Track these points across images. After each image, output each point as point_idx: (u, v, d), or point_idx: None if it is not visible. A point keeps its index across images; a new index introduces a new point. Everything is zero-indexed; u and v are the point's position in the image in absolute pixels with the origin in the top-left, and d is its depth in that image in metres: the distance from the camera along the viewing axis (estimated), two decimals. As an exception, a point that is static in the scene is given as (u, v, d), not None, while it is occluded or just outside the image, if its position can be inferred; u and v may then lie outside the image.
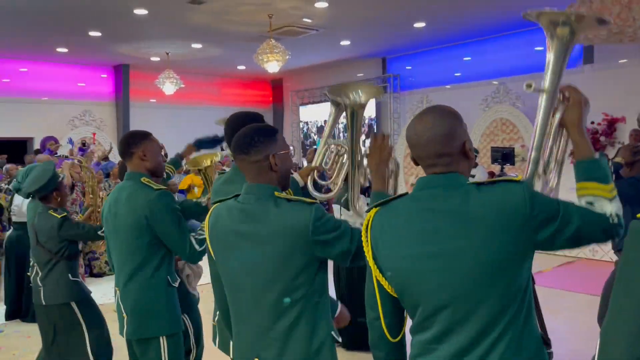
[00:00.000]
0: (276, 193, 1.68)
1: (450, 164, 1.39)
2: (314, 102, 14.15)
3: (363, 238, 1.46)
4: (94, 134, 11.79)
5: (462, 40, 10.70)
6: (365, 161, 2.09)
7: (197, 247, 2.43)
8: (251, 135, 1.71)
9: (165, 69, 11.07)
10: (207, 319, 2.56)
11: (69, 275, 3.20)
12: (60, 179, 3.32)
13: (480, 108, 10.48)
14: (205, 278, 2.62)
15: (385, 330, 1.46)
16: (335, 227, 1.63)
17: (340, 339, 1.73)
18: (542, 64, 1.58)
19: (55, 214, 3.22)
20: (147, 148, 2.51)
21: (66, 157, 8.85)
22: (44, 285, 3.21)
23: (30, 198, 3.91)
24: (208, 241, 1.78)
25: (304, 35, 9.75)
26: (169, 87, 11.04)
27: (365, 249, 1.45)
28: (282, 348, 1.61)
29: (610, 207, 1.36)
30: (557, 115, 1.52)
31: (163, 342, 2.44)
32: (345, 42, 10.71)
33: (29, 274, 3.92)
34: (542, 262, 7.24)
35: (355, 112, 2.04)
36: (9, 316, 5.29)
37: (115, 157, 10.30)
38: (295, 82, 14.67)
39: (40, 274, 3.24)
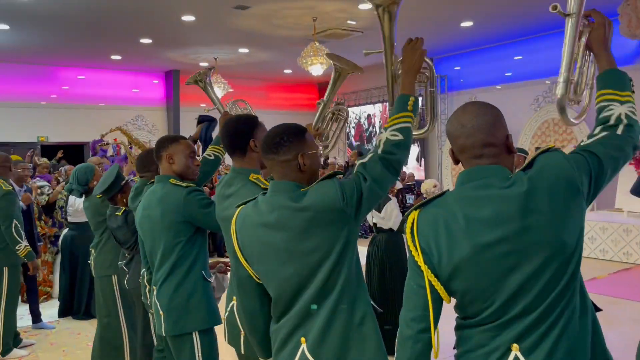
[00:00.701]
0: (302, 190, 1.67)
1: (496, 156, 1.39)
2: (359, 104, 14.11)
3: (409, 243, 1.42)
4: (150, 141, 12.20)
5: (513, 39, 10.39)
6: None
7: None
8: (280, 134, 1.70)
9: (213, 74, 11.31)
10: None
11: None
12: (124, 181, 3.43)
13: (532, 108, 10.14)
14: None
15: (435, 343, 1.39)
16: (356, 182, 1.65)
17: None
18: (595, 60, 1.64)
19: (117, 214, 3.34)
20: (175, 151, 2.56)
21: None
22: (128, 270, 3.37)
23: (83, 197, 4.08)
24: (236, 244, 1.77)
25: (349, 38, 9.73)
26: (217, 91, 11.26)
27: (414, 253, 1.40)
28: (327, 325, 1.61)
29: (620, 109, 1.46)
30: (583, 39, 1.60)
31: (196, 338, 2.47)
32: (391, 44, 10.61)
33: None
34: (597, 268, 6.91)
35: (386, 8, 2.06)
36: (62, 313, 5.51)
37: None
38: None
39: (123, 261, 3.42)
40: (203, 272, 2.53)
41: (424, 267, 1.38)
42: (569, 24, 1.58)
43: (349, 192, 1.63)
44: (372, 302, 1.73)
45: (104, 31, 8.83)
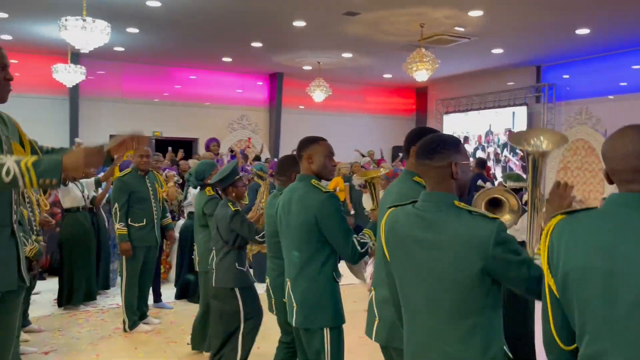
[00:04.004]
0: (456, 202, 1.75)
1: None
2: (459, 111, 13.88)
3: (542, 244, 1.47)
4: (250, 138, 12.78)
5: (631, 47, 9.80)
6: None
7: (359, 248, 2.60)
8: (437, 142, 1.81)
9: (316, 77, 11.64)
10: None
11: (236, 264, 3.56)
12: (238, 176, 3.69)
13: (650, 121, 9.50)
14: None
15: (555, 336, 1.46)
16: (518, 251, 1.66)
17: (512, 357, 1.75)
18: None
19: (230, 206, 3.59)
20: (314, 152, 2.72)
21: (231, 151, 9.77)
22: (216, 269, 3.60)
23: (198, 189, 4.41)
24: (384, 243, 1.89)
25: (454, 44, 9.65)
26: (318, 94, 11.60)
27: (542, 254, 1.46)
28: (455, 355, 1.68)
29: None
30: None
31: (327, 333, 2.62)
32: (497, 50, 10.38)
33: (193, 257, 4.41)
34: None
35: (536, 159, 2.04)
36: (178, 296, 5.97)
37: (263, 157, 11.09)
38: (441, 90, 14.51)
39: (215, 258, 3.64)
40: (334, 273, 2.67)
41: (544, 267, 1.45)
42: None
43: (509, 254, 1.65)
44: (505, 347, 1.75)
45: (219, 34, 9.39)
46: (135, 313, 4.92)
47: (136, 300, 4.94)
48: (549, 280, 1.45)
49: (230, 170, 3.64)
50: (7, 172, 1.91)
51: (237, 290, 3.53)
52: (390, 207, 1.93)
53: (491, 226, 1.66)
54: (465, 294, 1.67)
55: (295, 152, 2.88)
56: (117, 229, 4.82)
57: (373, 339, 2.33)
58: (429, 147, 1.81)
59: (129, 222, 4.84)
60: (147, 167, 4.96)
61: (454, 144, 1.81)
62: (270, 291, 3.27)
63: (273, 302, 3.27)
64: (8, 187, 1.97)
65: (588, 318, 1.35)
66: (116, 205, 4.82)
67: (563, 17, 8.10)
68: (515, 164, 12.45)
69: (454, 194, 1.78)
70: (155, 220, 4.99)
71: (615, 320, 1.30)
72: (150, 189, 4.98)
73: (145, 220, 4.89)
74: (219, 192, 3.85)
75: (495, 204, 2.48)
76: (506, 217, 2.41)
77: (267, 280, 3.30)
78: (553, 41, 9.62)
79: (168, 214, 5.44)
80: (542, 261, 1.47)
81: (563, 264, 1.39)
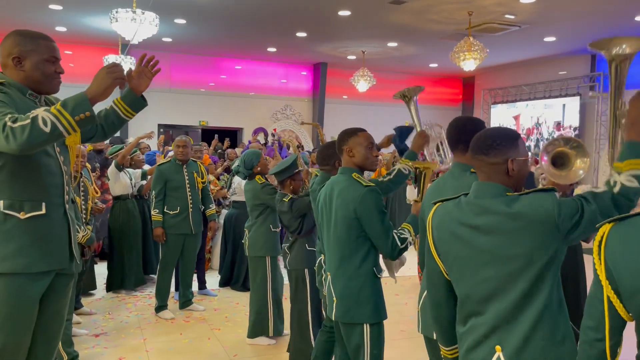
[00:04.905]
0: (508, 194, 1.69)
1: None
2: (506, 101, 13.50)
3: (595, 255, 1.40)
4: (273, 130, 12.82)
5: (696, 34, 9.25)
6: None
7: (399, 244, 2.56)
8: (493, 137, 1.73)
9: (360, 67, 11.54)
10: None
11: (306, 245, 3.64)
12: (297, 170, 3.72)
13: None
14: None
15: (608, 353, 1.41)
16: (580, 204, 1.64)
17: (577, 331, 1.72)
18: None
19: (284, 200, 3.64)
20: (354, 144, 2.67)
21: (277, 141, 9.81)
22: (290, 252, 3.70)
23: (246, 179, 4.46)
24: (431, 240, 1.85)
25: (503, 32, 9.36)
26: (362, 84, 11.50)
27: (597, 267, 1.39)
28: (528, 338, 1.63)
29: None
30: None
31: (366, 329, 2.59)
32: (549, 38, 10.01)
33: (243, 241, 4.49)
34: None
35: (618, 65, 1.97)
36: (223, 284, 6.08)
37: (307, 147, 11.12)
38: (488, 80, 14.13)
39: (287, 244, 3.76)
40: (374, 268, 2.63)
41: (604, 282, 1.37)
42: None
43: (568, 210, 1.62)
44: (572, 325, 1.72)
45: (264, 25, 9.44)
46: (164, 299, 5.02)
47: (169, 287, 5.06)
48: (611, 297, 1.37)
49: (291, 163, 3.67)
50: (44, 122, 1.87)
51: (306, 272, 3.61)
52: (436, 203, 1.88)
53: (549, 198, 1.64)
54: (534, 276, 1.63)
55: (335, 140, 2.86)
56: (153, 215, 4.97)
57: (435, 336, 2.20)
58: (485, 142, 1.74)
59: (165, 210, 4.95)
60: (184, 157, 5.03)
61: (511, 139, 1.74)
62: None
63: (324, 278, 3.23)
64: (51, 138, 1.91)
65: None
66: (153, 192, 4.96)
67: (621, 2, 7.72)
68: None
69: (510, 189, 1.72)
70: (191, 209, 5.02)
71: None
72: (187, 177, 5.04)
73: (179, 208, 4.96)
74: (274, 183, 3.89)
75: (560, 163, 2.34)
76: (578, 166, 2.27)
77: (322, 257, 3.23)
78: (609, 28, 9.18)
79: (212, 205, 5.47)
80: (599, 275, 1.40)
81: (632, 280, 1.31)
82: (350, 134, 2.71)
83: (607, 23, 8.82)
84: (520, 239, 1.63)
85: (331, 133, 12.15)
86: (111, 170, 5.65)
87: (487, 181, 1.74)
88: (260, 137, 11.17)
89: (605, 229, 1.41)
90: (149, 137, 6.39)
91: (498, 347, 1.67)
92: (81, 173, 4.64)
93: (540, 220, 1.61)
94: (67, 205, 2.23)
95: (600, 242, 1.40)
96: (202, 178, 5.25)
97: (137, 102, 2.30)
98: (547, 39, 10.07)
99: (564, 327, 1.67)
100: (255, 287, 4.28)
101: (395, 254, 2.58)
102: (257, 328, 4.30)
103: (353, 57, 12.00)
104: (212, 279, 6.23)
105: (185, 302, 5.19)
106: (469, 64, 8.46)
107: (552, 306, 1.65)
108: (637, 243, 1.33)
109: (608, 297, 1.38)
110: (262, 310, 4.26)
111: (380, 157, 2.83)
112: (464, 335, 1.78)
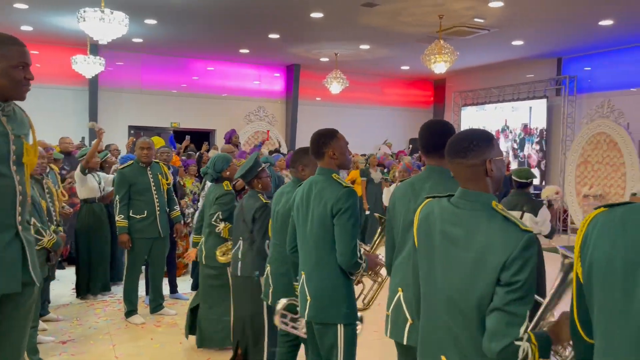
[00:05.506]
0: (494, 204, 1.68)
1: None
2: (477, 104, 13.72)
3: (578, 232, 1.42)
4: (268, 131, 12.80)
5: (657, 39, 9.58)
6: None
7: (358, 254, 2.57)
8: (469, 139, 1.71)
9: (333, 69, 11.58)
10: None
11: (266, 250, 3.51)
12: (260, 168, 3.68)
13: (674, 114, 9.28)
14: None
15: (578, 326, 1.43)
16: (526, 280, 1.57)
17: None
18: None
19: (261, 198, 3.59)
20: (336, 147, 2.69)
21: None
22: (242, 258, 3.58)
23: (214, 182, 4.39)
24: (415, 231, 1.84)
25: (473, 36, 9.51)
26: (335, 86, 11.54)
27: (576, 242, 1.42)
28: (470, 355, 1.64)
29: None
30: None
31: (340, 329, 2.60)
32: (517, 42, 10.22)
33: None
34: None
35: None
36: (194, 287, 6.00)
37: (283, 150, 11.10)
38: (459, 82, 14.34)
39: (241, 248, 3.62)
40: None
41: (575, 256, 1.40)
42: None
43: (518, 270, 1.58)
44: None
45: (237, 26, 9.39)
46: (133, 304, 4.93)
47: (136, 291, 4.96)
48: (577, 268, 1.41)
49: (252, 164, 3.64)
50: None
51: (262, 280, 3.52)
52: (427, 197, 1.88)
53: (519, 237, 1.59)
54: (483, 298, 1.61)
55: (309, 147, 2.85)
56: (117, 220, 4.81)
57: (405, 341, 2.23)
58: (462, 144, 1.72)
59: (131, 214, 4.82)
60: (148, 159, 4.92)
61: (487, 139, 1.73)
62: (270, 280, 3.16)
63: (271, 290, 3.15)
64: None
65: (604, 310, 1.31)
66: (117, 197, 4.81)
67: (586, 8, 7.93)
68: (534, 160, 12.28)
69: (490, 193, 1.72)
70: (158, 212, 4.91)
71: (631, 316, 1.26)
72: (152, 180, 4.93)
73: (146, 212, 4.84)
74: (238, 186, 3.83)
75: None
76: None
77: (268, 268, 3.19)
78: (575, 32, 9.44)
79: (177, 207, 5.29)
80: (574, 249, 1.43)
81: (591, 253, 1.36)
82: (330, 136, 2.72)
83: (573, 27, 9.06)
84: (478, 257, 1.63)
85: (305, 135, 12.15)
86: (76, 173, 5.53)
87: (468, 187, 1.72)
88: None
89: (595, 212, 1.42)
90: (99, 132, 5.56)
91: (443, 357, 1.69)
92: (46, 175, 4.52)
93: (500, 248, 1.59)
94: (19, 227, 2.14)
95: (586, 221, 1.42)
96: (167, 180, 5.13)
97: None
98: (515, 43, 10.28)
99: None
100: (217, 297, 4.16)
101: (352, 261, 2.57)
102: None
103: (326, 59, 12.03)
104: (184, 283, 6.15)
105: (156, 306, 5.11)
106: (439, 67, 8.57)
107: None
108: (609, 226, 1.35)
109: (576, 273, 1.41)
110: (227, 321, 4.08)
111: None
112: (421, 330, 1.83)
